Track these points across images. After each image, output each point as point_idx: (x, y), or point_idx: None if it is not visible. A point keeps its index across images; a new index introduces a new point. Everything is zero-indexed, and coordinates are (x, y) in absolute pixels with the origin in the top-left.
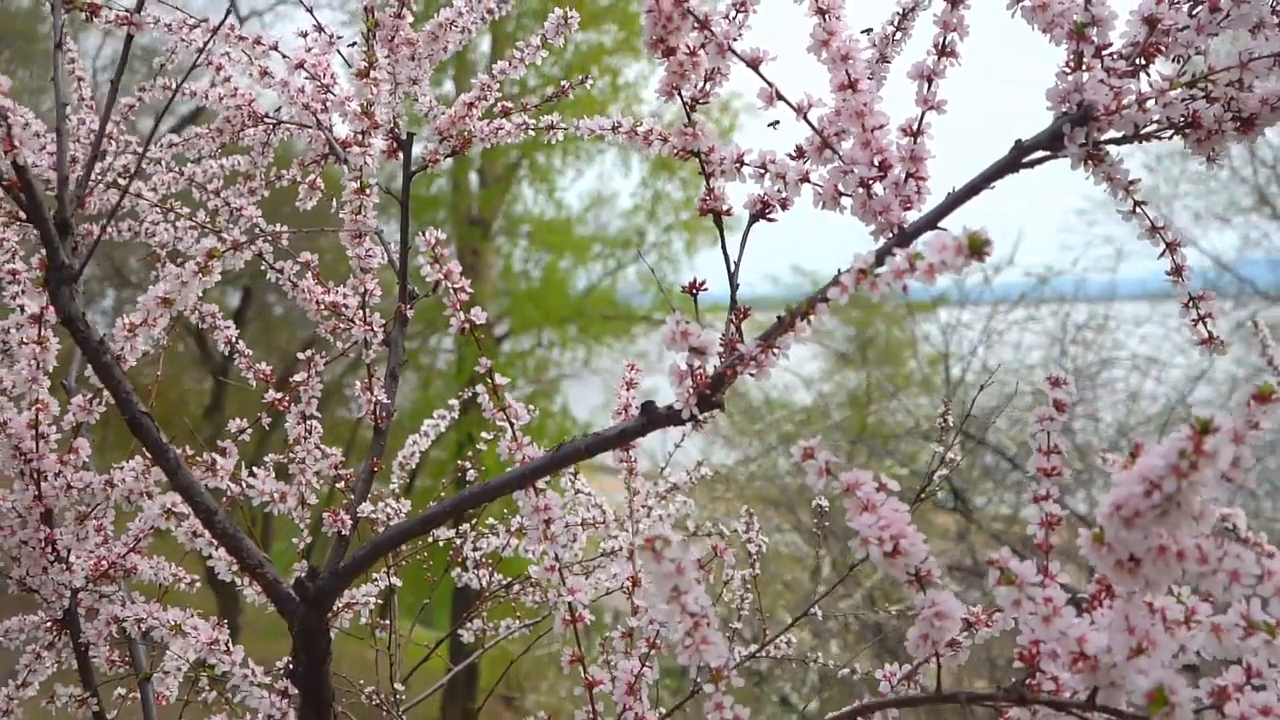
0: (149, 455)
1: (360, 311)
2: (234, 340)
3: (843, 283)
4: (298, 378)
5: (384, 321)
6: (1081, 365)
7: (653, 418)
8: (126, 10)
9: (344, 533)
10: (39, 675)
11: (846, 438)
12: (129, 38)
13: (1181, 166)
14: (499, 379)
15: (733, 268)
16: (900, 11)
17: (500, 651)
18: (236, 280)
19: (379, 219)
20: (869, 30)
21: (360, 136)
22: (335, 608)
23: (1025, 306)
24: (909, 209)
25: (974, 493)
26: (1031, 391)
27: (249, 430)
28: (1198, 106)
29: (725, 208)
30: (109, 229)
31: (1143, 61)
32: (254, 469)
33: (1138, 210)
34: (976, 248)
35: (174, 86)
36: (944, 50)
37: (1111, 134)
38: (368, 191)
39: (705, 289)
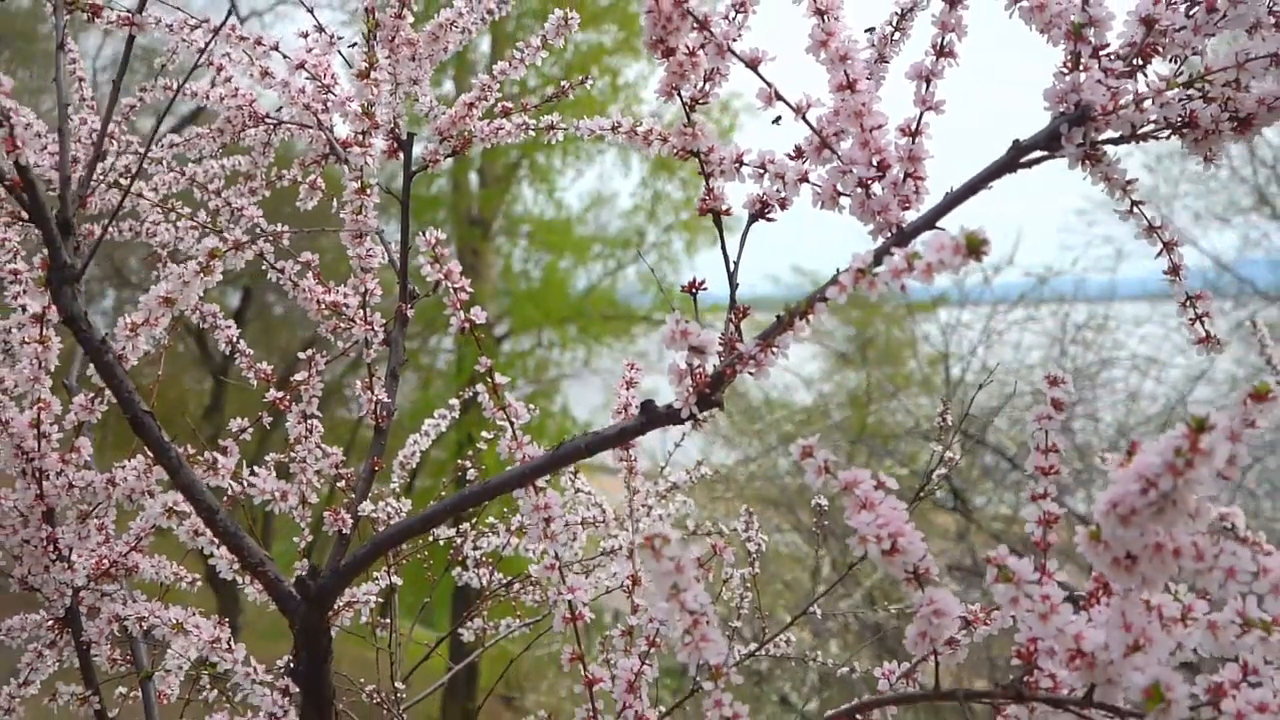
0: (151, 454)
1: (361, 311)
2: (235, 340)
3: (841, 282)
4: (298, 377)
5: (384, 321)
6: (1081, 365)
7: (652, 417)
8: (128, 11)
9: (345, 531)
10: (41, 673)
11: (846, 438)
12: (130, 38)
13: (1181, 166)
14: (499, 378)
15: (732, 267)
16: (899, 12)
17: (500, 651)
18: (237, 280)
19: (379, 219)
20: (872, 29)
21: (361, 137)
22: (336, 606)
23: (1025, 306)
24: (907, 209)
25: (974, 493)
26: (1031, 391)
27: (250, 429)
28: (1195, 106)
29: (725, 208)
30: (111, 229)
31: (1140, 62)
32: (255, 468)
33: (1135, 210)
34: (974, 247)
35: (175, 87)
36: (942, 51)
37: (1109, 134)
38: (368, 191)
39: (705, 289)
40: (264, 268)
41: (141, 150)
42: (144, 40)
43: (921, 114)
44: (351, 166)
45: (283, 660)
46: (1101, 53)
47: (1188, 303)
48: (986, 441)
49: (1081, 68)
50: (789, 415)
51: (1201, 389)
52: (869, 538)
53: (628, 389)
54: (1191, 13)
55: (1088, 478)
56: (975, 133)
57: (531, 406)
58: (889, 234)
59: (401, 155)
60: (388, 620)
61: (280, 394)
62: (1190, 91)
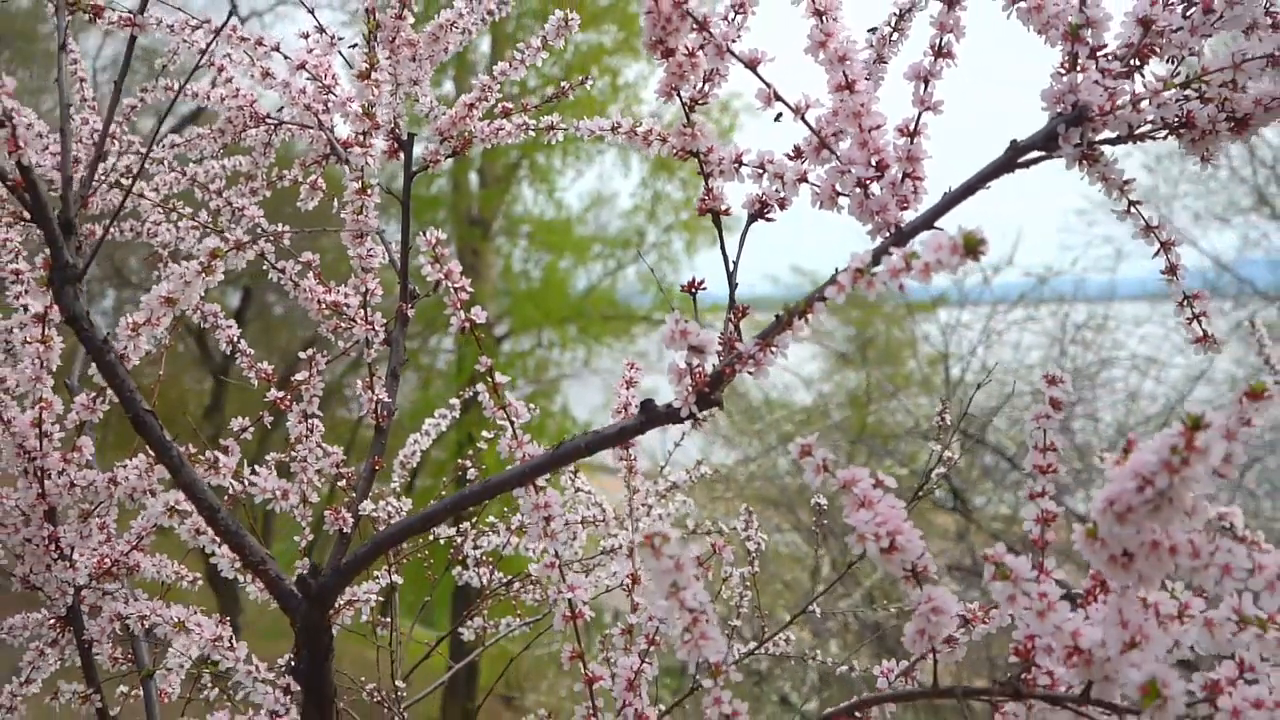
0: (152, 453)
1: (361, 311)
2: (236, 340)
3: (840, 282)
4: (299, 377)
5: (385, 321)
6: (1081, 365)
7: (652, 416)
8: (129, 11)
9: (345, 530)
10: (42, 672)
11: (846, 438)
12: (132, 39)
13: (1181, 167)
14: (499, 378)
15: (731, 267)
16: (897, 13)
17: (500, 650)
18: (237, 280)
19: (380, 219)
20: (874, 29)
21: (361, 137)
22: (337, 605)
23: (1025, 306)
24: (906, 209)
25: (973, 493)
26: (1031, 391)
27: (251, 429)
28: (1192, 107)
29: (724, 207)
30: (112, 229)
31: (1137, 62)
32: (256, 467)
33: (1133, 210)
34: (971, 247)
35: (176, 87)
36: (940, 51)
37: (1106, 134)
38: (369, 191)
39: (704, 288)
40: (265, 268)
41: (143, 150)
42: (145, 41)
43: (920, 114)
44: (352, 167)
45: (284, 659)
46: (1099, 53)
47: (1185, 302)
48: (986, 441)
49: (1079, 68)
50: (789, 415)
51: (1201, 389)
52: (868, 536)
53: (627, 388)
54: (1188, 14)
55: (1087, 477)
56: (973, 133)
57: (531, 406)
58: (887, 234)
59: (402, 155)
60: (388, 619)
61: (281, 393)
62: (1187, 92)
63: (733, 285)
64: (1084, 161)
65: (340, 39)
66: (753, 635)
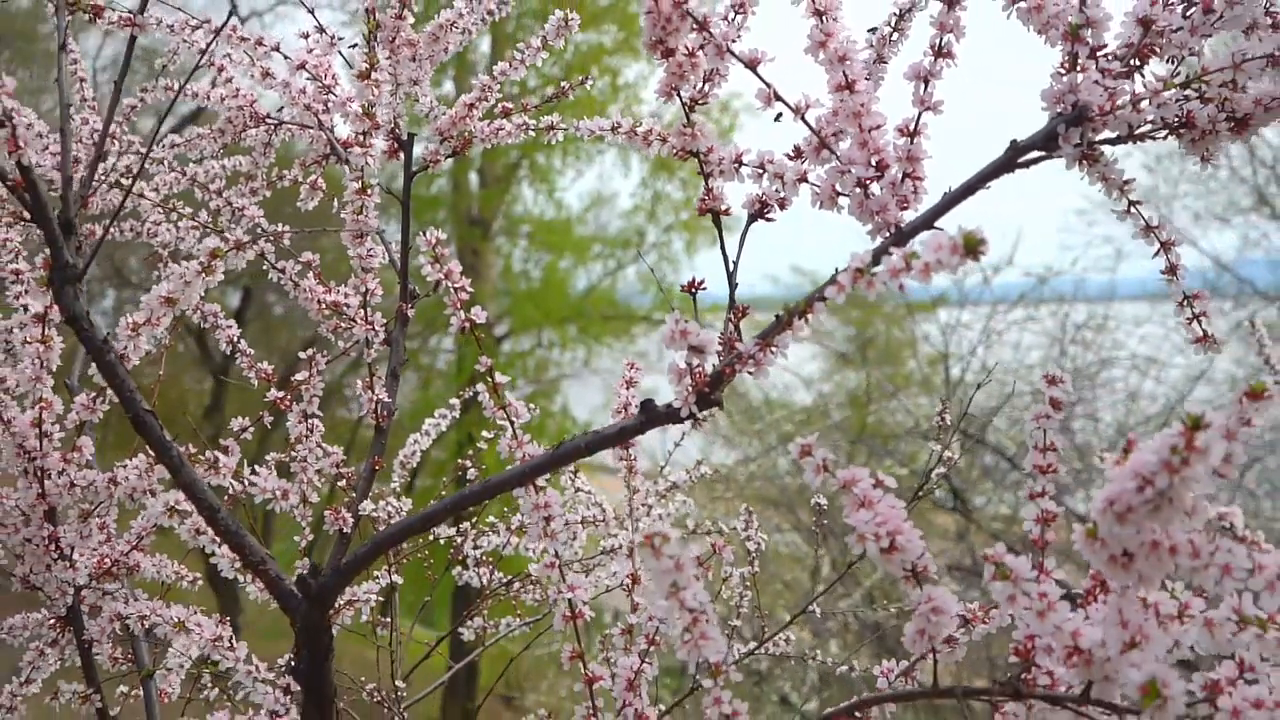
0: (152, 453)
1: (361, 311)
2: (236, 340)
3: (840, 282)
4: (299, 376)
5: (385, 321)
6: (1081, 365)
7: (652, 415)
8: (129, 12)
9: (345, 530)
10: (43, 672)
11: (846, 438)
12: (132, 39)
13: (1181, 167)
14: (499, 377)
15: (731, 267)
16: (897, 13)
17: (500, 650)
18: (237, 280)
19: (380, 219)
20: (874, 30)
21: (361, 137)
22: (337, 604)
23: (1025, 306)
24: (906, 209)
25: (973, 493)
26: (1031, 391)
27: (251, 429)
28: (1192, 107)
29: (724, 207)
30: (112, 229)
31: (1137, 62)
32: (256, 467)
33: (1132, 209)
34: (971, 247)
35: (176, 88)
36: (940, 51)
37: (1106, 134)
38: (369, 191)
39: (704, 288)
40: (265, 268)
41: (143, 150)
42: (145, 41)
43: (920, 114)
44: (352, 167)
45: (284, 659)
46: (1099, 53)
47: (1185, 302)
48: (986, 441)
49: (1079, 68)
50: (789, 415)
51: (1201, 389)
52: (868, 536)
53: (627, 388)
54: (1188, 14)
55: (1087, 477)
56: (973, 133)
57: (531, 406)
58: (887, 234)
59: (402, 155)
60: (388, 619)
61: (281, 393)
62: (1187, 92)
63: (733, 285)
64: (1084, 161)
65: (340, 39)
66: (753, 635)
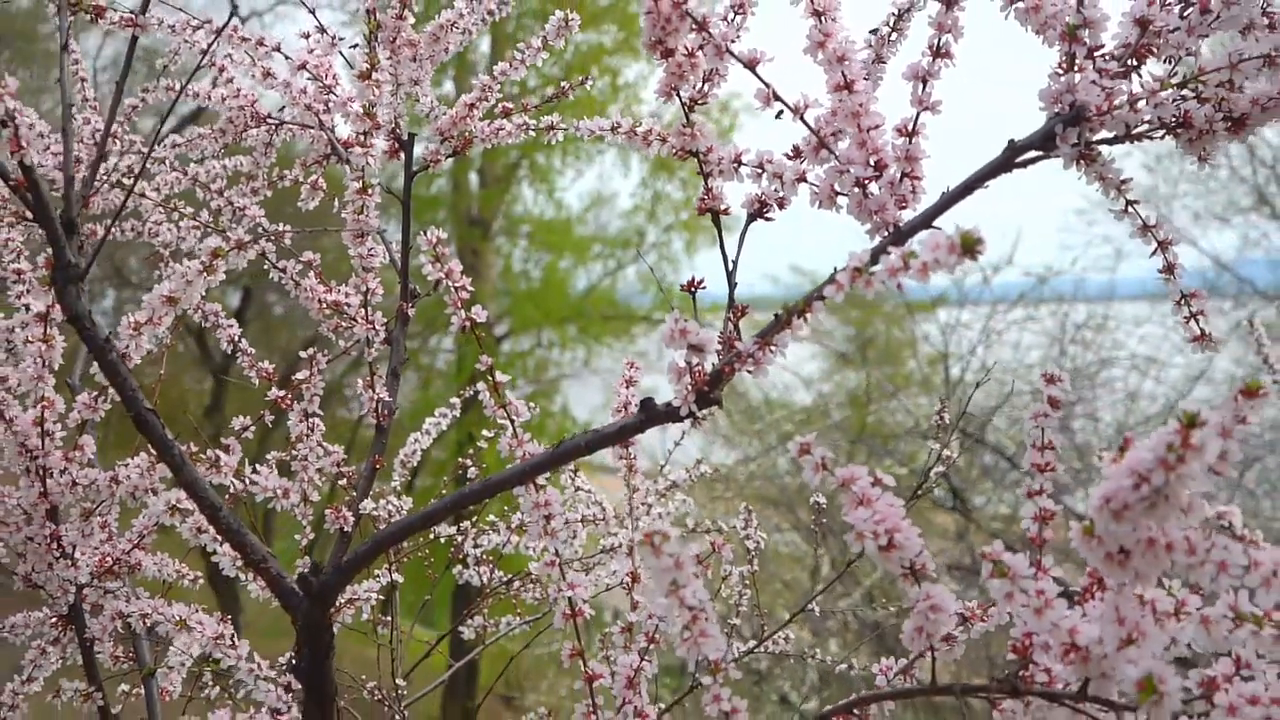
0: (154, 452)
1: (362, 310)
2: (237, 339)
3: (839, 281)
4: (300, 376)
5: (385, 320)
6: (1080, 365)
7: (651, 414)
8: (131, 12)
9: (346, 529)
10: (44, 670)
11: (846, 437)
12: (133, 39)
13: (1180, 166)
14: (499, 376)
15: (731, 267)
16: (896, 13)
17: (500, 649)
18: (238, 280)
19: (380, 219)
20: (873, 30)
21: (362, 137)
22: (337, 603)
23: (1024, 306)
24: (904, 208)
25: (973, 492)
26: (1030, 391)
27: (252, 428)
28: (1189, 107)
29: (723, 207)
30: (114, 229)
31: (1134, 62)
32: (257, 466)
33: (1130, 209)
34: (969, 246)
35: (178, 88)
36: (939, 51)
37: (1103, 134)
38: (369, 191)
39: (704, 288)
40: (265, 267)
41: (144, 150)
42: (146, 41)
43: (918, 114)
44: (353, 167)
45: (285, 657)
46: (1096, 53)
47: (1182, 300)
48: (986, 441)
49: (1076, 68)
50: (789, 415)
51: (1201, 389)
52: (866, 534)
53: (627, 387)
54: (1186, 14)
55: (1086, 477)
56: (971, 133)
57: (531, 405)
58: (886, 233)
59: (402, 155)
60: (389, 618)
61: (282, 392)
62: (1184, 92)
63: (732, 285)
64: (1082, 161)
65: (341, 39)
66: (752, 634)
